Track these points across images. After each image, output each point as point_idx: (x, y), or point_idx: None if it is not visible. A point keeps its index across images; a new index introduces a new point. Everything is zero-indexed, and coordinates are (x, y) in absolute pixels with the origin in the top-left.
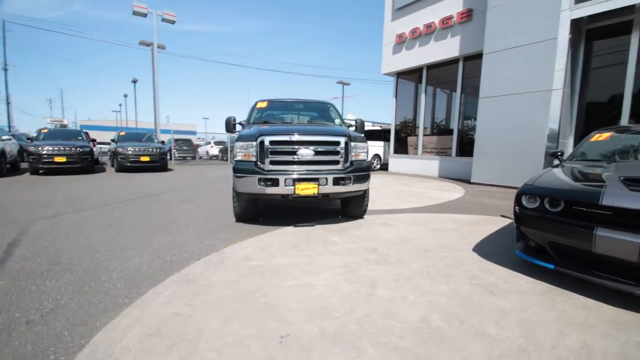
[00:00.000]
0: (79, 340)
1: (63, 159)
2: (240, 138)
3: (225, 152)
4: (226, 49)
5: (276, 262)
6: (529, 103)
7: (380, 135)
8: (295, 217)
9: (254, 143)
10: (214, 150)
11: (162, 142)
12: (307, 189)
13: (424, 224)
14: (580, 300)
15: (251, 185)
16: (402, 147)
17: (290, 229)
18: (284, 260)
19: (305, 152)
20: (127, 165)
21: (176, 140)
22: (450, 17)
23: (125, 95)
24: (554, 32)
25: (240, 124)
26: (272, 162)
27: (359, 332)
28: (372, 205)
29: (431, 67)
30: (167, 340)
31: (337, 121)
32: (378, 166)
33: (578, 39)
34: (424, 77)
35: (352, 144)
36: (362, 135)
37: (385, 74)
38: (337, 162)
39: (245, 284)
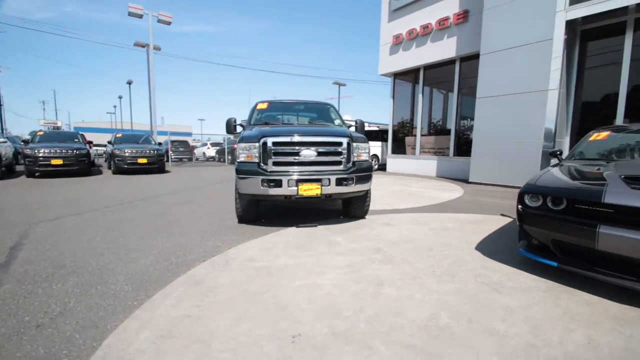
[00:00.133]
0: (91, 343)
1: (60, 162)
2: (243, 139)
3: (222, 153)
4: (222, 50)
5: (282, 262)
6: (525, 103)
7: (378, 135)
8: (297, 217)
9: (257, 144)
10: (211, 152)
11: (159, 144)
12: (310, 190)
13: (425, 224)
14: (584, 297)
15: (254, 186)
16: (399, 147)
17: (293, 230)
18: (289, 261)
19: (308, 153)
20: (125, 168)
21: (172, 141)
22: (446, 18)
23: (120, 97)
24: (550, 33)
25: (241, 125)
26: (275, 163)
27: (370, 330)
28: (372, 205)
29: (428, 67)
30: (180, 341)
31: (338, 122)
32: (376, 166)
33: (573, 39)
34: (421, 77)
35: (354, 144)
36: (363, 135)
37: (383, 75)
38: (339, 163)
39: (253, 285)
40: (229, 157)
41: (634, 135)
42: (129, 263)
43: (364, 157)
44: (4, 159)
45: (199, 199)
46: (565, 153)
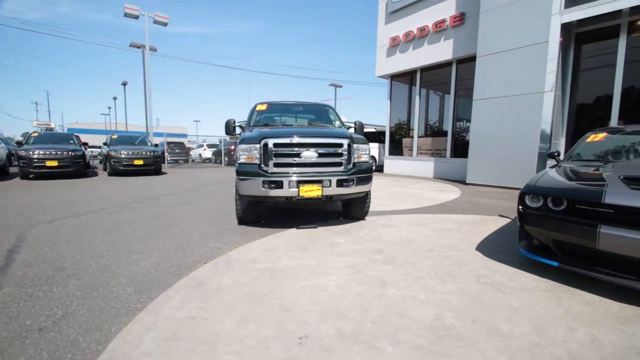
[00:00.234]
0: (96, 346)
1: (55, 163)
2: (244, 140)
3: (218, 154)
4: (217, 51)
5: (284, 264)
6: (522, 105)
7: (375, 137)
8: (297, 219)
9: (258, 145)
10: (207, 153)
11: (155, 145)
12: (311, 191)
13: (425, 225)
14: (585, 296)
15: (255, 187)
16: (396, 149)
17: (293, 231)
18: (291, 262)
19: (309, 154)
20: (121, 169)
21: (168, 143)
22: (443, 21)
23: (115, 98)
24: (545, 36)
25: (240, 126)
26: (276, 165)
27: (376, 331)
28: (371, 206)
29: (425, 69)
30: (185, 343)
31: (337, 123)
32: (373, 168)
33: (568, 42)
34: (418, 79)
35: (355, 145)
36: (364, 137)
37: (380, 77)
38: (340, 164)
39: (257, 286)
40: (226, 159)
41: (630, 136)
42: (130, 265)
43: (364, 158)
44: None
45: (197, 201)
46: (561, 154)
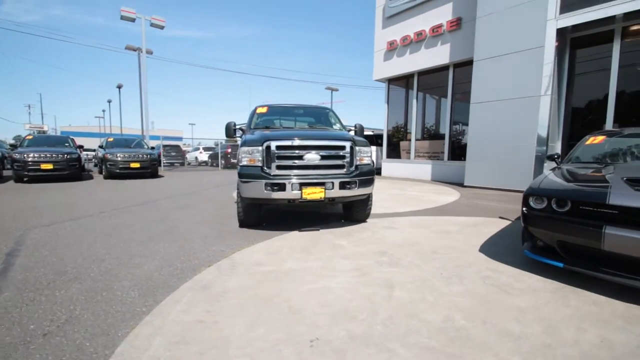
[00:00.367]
0: (103, 351)
1: (50, 166)
2: (246, 143)
3: (215, 157)
4: (213, 55)
5: (288, 266)
6: (518, 108)
7: (372, 140)
8: (298, 221)
9: (260, 148)
10: (203, 156)
11: (152, 148)
12: (314, 194)
13: (426, 227)
14: (591, 297)
15: (257, 190)
16: (394, 152)
17: (295, 234)
18: (296, 265)
19: (312, 157)
20: (117, 172)
21: (164, 146)
22: (440, 26)
23: (109, 101)
24: (541, 41)
25: (240, 129)
26: (279, 167)
27: (387, 333)
28: (372, 209)
29: (422, 73)
30: (195, 347)
31: (338, 126)
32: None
33: (563, 47)
34: (415, 83)
35: (357, 148)
36: (365, 139)
37: (377, 80)
38: (342, 167)
39: (263, 289)
40: (222, 162)
41: (628, 139)
42: (133, 269)
43: (366, 160)
44: None
45: (196, 204)
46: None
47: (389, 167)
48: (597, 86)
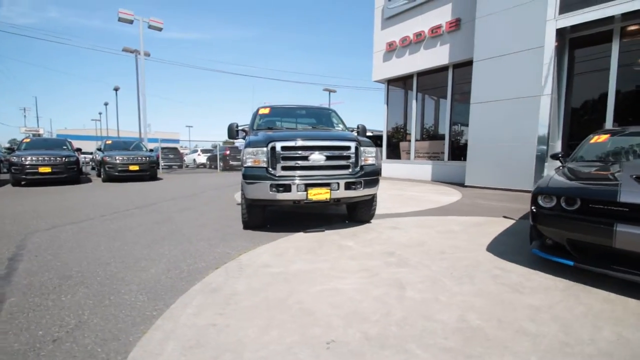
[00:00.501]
0: (115, 357)
1: (48, 169)
2: (250, 144)
3: (213, 160)
4: (209, 57)
5: (297, 268)
6: (519, 108)
7: (372, 141)
8: (302, 223)
9: (265, 149)
10: (201, 159)
11: (151, 150)
12: (320, 194)
13: (431, 227)
14: (602, 294)
15: (263, 191)
16: (394, 153)
17: (301, 235)
18: (304, 267)
19: (317, 158)
20: (115, 175)
21: (162, 148)
22: (439, 27)
23: (106, 104)
24: (541, 41)
25: (243, 130)
26: (284, 168)
27: (402, 334)
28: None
29: (421, 74)
30: (209, 351)
31: (340, 127)
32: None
33: (563, 47)
34: (415, 84)
35: (362, 148)
36: (370, 140)
37: (376, 81)
38: (347, 167)
39: (273, 291)
40: (221, 164)
41: (632, 137)
42: (139, 272)
43: (371, 161)
44: None
45: (197, 206)
46: None
47: (389, 167)
48: (596, 86)
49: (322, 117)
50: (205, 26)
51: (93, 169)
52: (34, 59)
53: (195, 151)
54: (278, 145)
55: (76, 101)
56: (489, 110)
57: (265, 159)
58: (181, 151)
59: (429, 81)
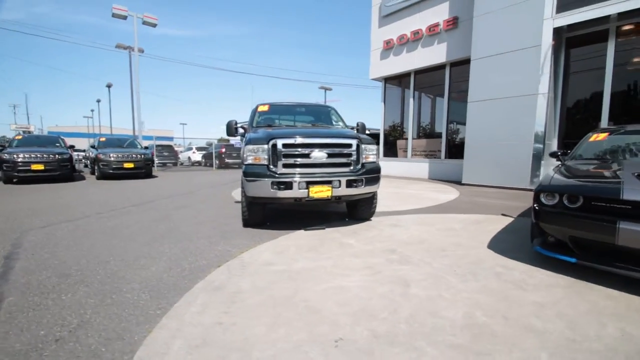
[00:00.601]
0: (121, 357)
1: (41, 167)
2: (250, 141)
3: (208, 157)
4: (205, 54)
5: (300, 266)
6: (516, 106)
7: None
8: (302, 220)
9: (266, 146)
10: (196, 156)
11: (145, 148)
12: (321, 192)
13: (431, 224)
14: (605, 291)
15: (264, 189)
16: (391, 151)
17: (301, 233)
18: (307, 264)
19: (319, 155)
20: (110, 173)
21: (157, 146)
22: (436, 25)
23: (98, 101)
24: (538, 40)
25: (242, 127)
26: (285, 165)
27: (411, 332)
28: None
29: (418, 72)
30: (217, 350)
31: (340, 124)
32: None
33: (559, 46)
34: (412, 82)
35: (363, 146)
36: (370, 137)
37: (374, 79)
38: (349, 165)
39: (278, 289)
40: (217, 162)
41: (631, 136)
42: (140, 270)
43: (372, 158)
44: None
45: (195, 204)
46: None
47: (386, 165)
48: (591, 85)
49: (321, 115)
50: (200, 23)
51: (86, 166)
52: (23, 54)
53: (190, 149)
54: (279, 143)
55: (68, 98)
56: (486, 109)
57: (266, 157)
58: (175, 149)
59: (426, 79)
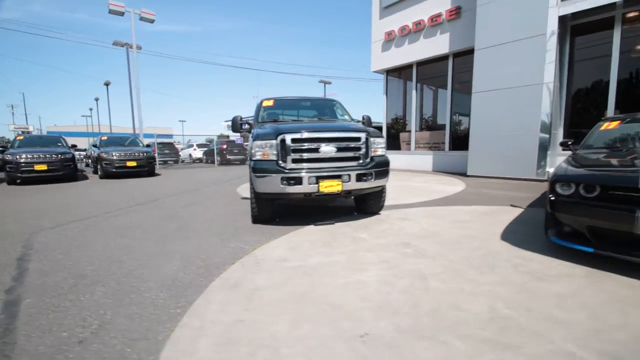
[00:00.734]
0: (147, 357)
1: (44, 167)
2: (259, 137)
3: (210, 154)
4: (201, 49)
5: (315, 261)
6: (521, 96)
7: None
8: (310, 216)
9: (274, 142)
10: (198, 153)
11: (147, 146)
12: (331, 187)
13: (441, 217)
14: (624, 280)
15: (273, 184)
16: (393, 144)
17: (312, 228)
18: (322, 260)
19: (328, 149)
20: (113, 171)
21: (158, 143)
22: (439, 15)
23: (97, 99)
24: (543, 28)
25: (248, 123)
26: (294, 160)
27: (436, 325)
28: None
29: (421, 64)
30: (244, 347)
31: (346, 117)
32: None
33: (564, 34)
34: (414, 73)
35: (371, 139)
36: (378, 131)
37: (375, 72)
38: (358, 158)
39: (295, 285)
40: (218, 158)
41: None
42: (155, 269)
43: (381, 151)
44: None
45: (201, 201)
46: (558, 143)
47: (389, 158)
48: (597, 73)
49: (326, 109)
50: (196, 18)
51: (87, 165)
52: (20, 54)
53: (191, 146)
54: (288, 138)
55: (65, 98)
56: (491, 99)
57: (275, 152)
58: (176, 146)
59: (428, 71)
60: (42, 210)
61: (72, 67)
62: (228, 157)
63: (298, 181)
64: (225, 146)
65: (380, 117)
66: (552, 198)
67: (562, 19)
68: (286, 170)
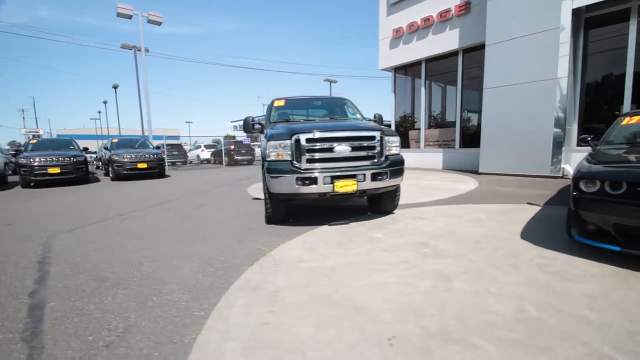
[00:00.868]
0: None
1: (57, 170)
2: (273, 137)
3: (218, 155)
4: (205, 50)
5: (333, 262)
6: (533, 92)
7: None
8: (323, 215)
9: (288, 142)
10: (205, 154)
11: (157, 147)
12: (347, 186)
13: (457, 216)
14: None
15: (288, 185)
16: (402, 142)
17: (326, 228)
18: (339, 260)
19: (342, 149)
20: (124, 173)
21: (166, 145)
22: (448, 10)
23: (105, 102)
24: (556, 22)
25: (260, 123)
26: (309, 160)
27: (464, 328)
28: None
29: (429, 60)
30: (271, 351)
31: (358, 116)
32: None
33: (578, 27)
34: (423, 70)
35: (386, 138)
36: (392, 129)
37: (383, 69)
38: (373, 157)
39: (317, 287)
40: (226, 159)
41: None
42: (174, 271)
43: (395, 150)
44: None
45: (213, 202)
46: (572, 139)
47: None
48: (612, 67)
49: (337, 107)
50: (198, 19)
51: (98, 168)
52: (29, 58)
53: (199, 147)
54: (302, 138)
55: (74, 101)
56: (503, 95)
57: (289, 152)
58: (184, 147)
59: (437, 67)
60: (57, 212)
61: (80, 70)
62: (236, 157)
63: (313, 181)
64: (232, 147)
65: (387, 115)
66: (576, 195)
67: (576, 12)
68: (301, 171)
